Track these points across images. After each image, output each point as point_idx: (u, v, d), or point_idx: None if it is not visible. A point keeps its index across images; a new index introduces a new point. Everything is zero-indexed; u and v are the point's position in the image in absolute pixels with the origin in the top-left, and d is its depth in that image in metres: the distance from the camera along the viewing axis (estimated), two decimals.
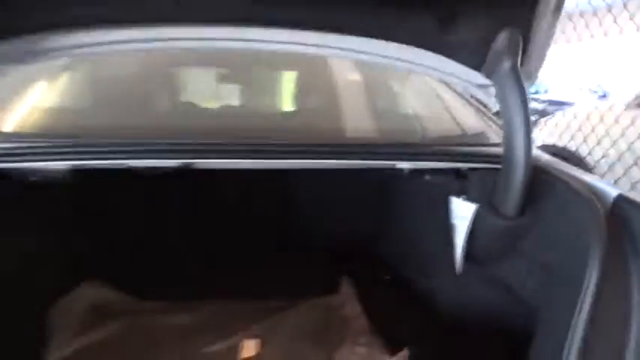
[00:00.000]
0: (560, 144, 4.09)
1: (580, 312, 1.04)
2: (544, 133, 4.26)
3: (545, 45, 1.32)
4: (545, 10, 1.26)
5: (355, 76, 2.14)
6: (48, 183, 1.40)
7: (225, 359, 1.61)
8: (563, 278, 1.17)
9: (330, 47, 1.33)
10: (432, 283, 1.87)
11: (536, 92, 11.62)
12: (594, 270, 1.06)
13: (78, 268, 1.94)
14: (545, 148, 4.22)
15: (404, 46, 1.34)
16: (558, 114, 4.33)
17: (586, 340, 1.02)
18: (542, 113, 9.83)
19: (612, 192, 1.23)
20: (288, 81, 2.38)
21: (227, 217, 2.23)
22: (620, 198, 1.19)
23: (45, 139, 1.31)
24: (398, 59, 1.37)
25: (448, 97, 1.91)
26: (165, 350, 1.65)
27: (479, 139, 1.65)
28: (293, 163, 1.32)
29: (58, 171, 1.31)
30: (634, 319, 1.03)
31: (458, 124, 1.80)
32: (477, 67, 1.37)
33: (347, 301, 1.96)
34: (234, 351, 1.67)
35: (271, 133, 1.55)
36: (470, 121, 1.77)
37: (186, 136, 1.34)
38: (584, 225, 1.15)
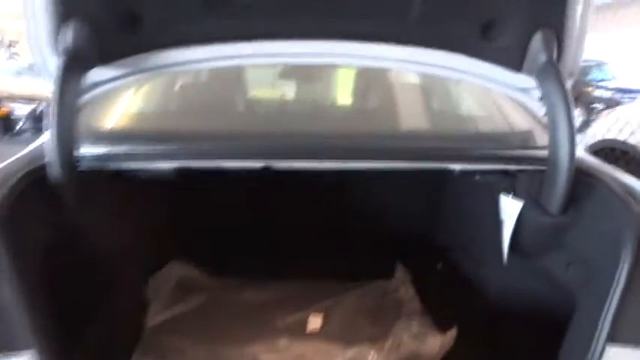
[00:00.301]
0: (621, 138, 4.05)
1: (612, 298, 1.19)
2: (603, 127, 4.22)
3: (581, 39, 1.43)
4: (575, 7, 1.38)
5: (408, 81, 2.31)
6: (153, 179, 1.69)
7: (294, 331, 1.85)
8: (600, 269, 1.30)
9: (382, 59, 1.52)
10: (481, 273, 2.02)
11: (603, 80, 11.19)
12: (626, 262, 1.21)
13: (168, 249, 2.26)
14: (603, 142, 4.19)
15: (449, 54, 1.51)
16: (619, 107, 4.28)
17: (615, 323, 1.17)
18: (609, 102, 9.48)
19: None
20: (347, 84, 2.59)
21: (294, 208, 2.48)
22: None
23: (152, 143, 1.57)
24: (444, 68, 1.55)
25: (500, 100, 2.04)
26: (242, 321, 1.91)
27: (528, 141, 1.78)
28: (351, 165, 1.52)
29: (166, 170, 1.58)
30: None
31: (509, 126, 1.93)
32: (517, 69, 1.51)
33: (401, 285, 2.16)
34: (302, 324, 1.91)
35: (335, 131, 1.77)
36: (520, 123, 1.90)
37: (265, 138, 1.58)
38: (619, 223, 1.28)
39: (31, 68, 12.23)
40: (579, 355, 1.19)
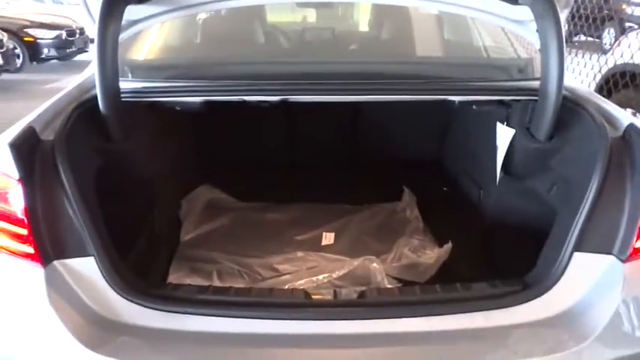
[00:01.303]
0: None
1: (581, 213, 1.37)
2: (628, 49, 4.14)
3: None
4: None
5: (414, 15, 2.39)
6: (187, 111, 1.88)
7: (311, 245, 2.11)
8: (577, 186, 1.46)
9: None
10: (479, 194, 2.21)
11: None
12: (595, 181, 1.38)
13: (198, 175, 2.50)
14: (625, 66, 4.14)
15: None
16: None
17: (582, 234, 1.36)
18: None
19: (626, 121, 1.49)
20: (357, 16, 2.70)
21: (310, 136, 2.67)
22: (630, 126, 1.46)
23: (185, 79, 1.75)
24: (448, 3, 1.65)
25: (499, 35, 2.12)
26: (264, 237, 2.17)
27: (524, 73, 1.89)
28: (359, 98, 1.68)
29: (194, 102, 1.76)
30: (624, 214, 1.35)
31: (506, 59, 2.04)
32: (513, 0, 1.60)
33: (407, 207, 2.37)
34: (316, 240, 2.16)
35: (343, 67, 1.91)
36: (517, 56, 2.00)
37: (284, 71, 1.74)
38: (595, 147, 1.44)
39: None
40: (552, 260, 1.39)
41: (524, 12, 1.62)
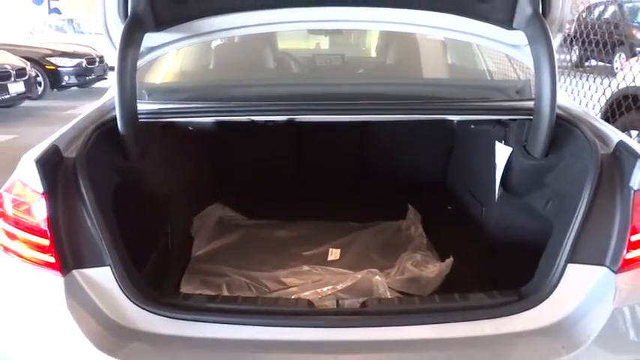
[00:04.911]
0: None
1: (573, 226, 1.43)
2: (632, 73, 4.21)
3: None
4: None
5: (416, 41, 2.51)
6: (201, 132, 1.98)
7: (317, 260, 2.18)
8: (570, 200, 1.53)
9: (394, 23, 1.75)
10: (483, 212, 2.27)
11: None
12: (586, 196, 1.44)
13: (211, 193, 2.60)
14: (627, 90, 4.19)
15: (452, 16, 1.71)
16: None
17: (574, 247, 1.42)
18: None
19: (617, 138, 1.56)
20: (368, 43, 2.82)
21: (319, 158, 2.76)
22: (620, 144, 1.53)
23: (196, 101, 1.87)
24: (449, 30, 1.76)
25: (501, 58, 2.22)
26: (272, 253, 2.25)
27: (521, 94, 1.98)
28: (359, 118, 1.77)
29: (206, 123, 1.87)
30: (615, 226, 1.41)
31: (505, 81, 2.13)
32: (509, 25, 1.69)
33: (412, 224, 2.44)
34: (322, 256, 2.24)
35: (347, 89, 2.02)
36: (517, 78, 2.09)
37: (291, 93, 1.84)
38: (586, 163, 1.51)
39: (70, 23, 12.68)
40: (547, 272, 1.45)
41: (520, 37, 1.72)
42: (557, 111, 1.70)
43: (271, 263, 2.12)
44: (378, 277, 1.85)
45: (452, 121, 1.87)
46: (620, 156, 1.50)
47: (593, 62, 7.04)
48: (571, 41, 11.89)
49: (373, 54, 2.92)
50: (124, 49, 1.61)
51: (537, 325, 1.40)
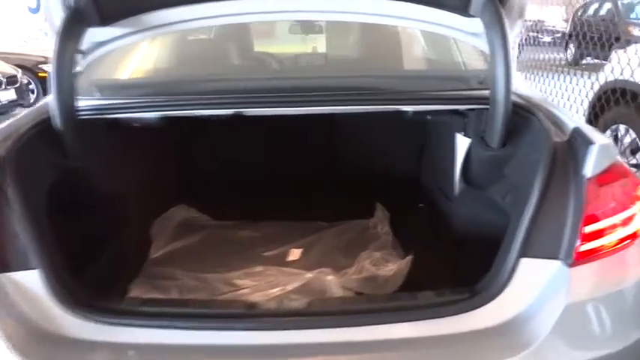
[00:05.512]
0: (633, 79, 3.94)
1: (524, 219, 1.35)
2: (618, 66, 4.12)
3: None
4: None
5: (372, 30, 2.43)
6: (146, 128, 1.91)
7: (276, 261, 2.09)
8: (524, 191, 1.44)
9: (351, 13, 1.68)
10: (451, 206, 2.18)
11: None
12: (537, 188, 1.36)
13: (173, 194, 2.52)
14: (615, 83, 4.10)
15: (409, 5, 1.63)
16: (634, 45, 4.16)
17: (525, 241, 1.33)
18: None
19: (572, 125, 1.47)
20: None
21: (287, 155, 2.68)
22: (575, 130, 1.44)
23: (142, 95, 1.78)
24: (406, 18, 1.68)
25: (457, 45, 2.13)
26: (232, 254, 2.16)
27: (484, 83, 1.88)
28: (307, 110, 1.70)
29: (151, 118, 1.79)
30: (568, 218, 1.33)
31: (469, 71, 2.04)
32: (465, 12, 1.61)
33: (379, 223, 2.35)
34: (283, 256, 2.15)
35: (292, 82, 1.94)
36: (474, 66, 2.00)
37: (240, 86, 1.77)
38: (540, 153, 1.42)
39: None
40: (499, 267, 1.37)
41: (479, 24, 1.64)
42: (516, 99, 1.62)
43: (227, 265, 2.03)
44: (330, 276, 1.76)
45: (407, 112, 1.78)
46: (574, 143, 1.42)
47: (590, 60, 6.97)
48: (567, 39, 11.86)
49: (334, 48, 2.83)
50: (61, 42, 1.54)
51: (488, 323, 1.31)
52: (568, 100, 4.79)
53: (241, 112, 1.73)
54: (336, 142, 2.69)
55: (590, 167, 1.34)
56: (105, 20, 1.66)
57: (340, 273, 1.88)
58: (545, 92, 5.31)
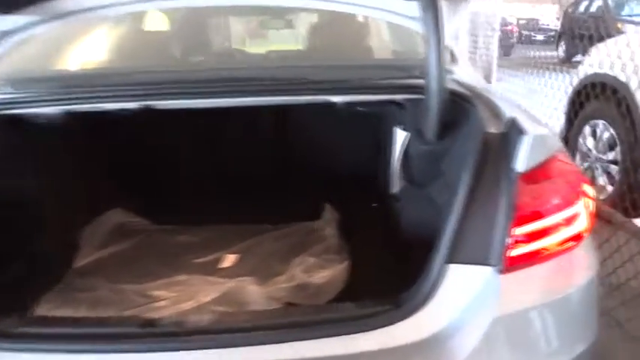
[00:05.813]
0: (612, 73, 3.78)
1: (455, 212, 1.20)
2: (596, 60, 3.96)
3: None
4: None
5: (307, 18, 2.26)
6: (54, 126, 1.73)
7: (207, 268, 1.91)
8: (455, 188, 1.28)
9: None
10: (397, 207, 2.02)
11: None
12: (466, 180, 1.20)
13: (105, 199, 2.34)
14: (595, 77, 3.93)
15: None
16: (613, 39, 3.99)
17: (456, 233, 1.18)
18: None
19: (509, 115, 1.30)
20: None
21: (233, 153, 2.51)
22: (509, 120, 1.27)
23: (44, 88, 1.62)
24: (344, 2, 1.52)
25: (394, 33, 1.97)
26: (162, 261, 1.97)
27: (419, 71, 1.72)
28: (225, 101, 1.53)
29: (56, 115, 1.62)
30: (498, 218, 1.17)
31: (414, 60, 1.87)
32: None
33: (327, 225, 2.17)
34: (216, 263, 1.97)
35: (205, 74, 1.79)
36: (412, 53, 1.83)
37: (139, 80, 1.60)
38: (470, 146, 1.26)
39: None
40: (425, 274, 1.21)
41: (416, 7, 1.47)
42: (457, 88, 1.46)
43: (153, 274, 1.84)
44: (253, 286, 1.58)
45: (336, 103, 1.61)
46: (508, 135, 1.25)
47: (581, 57, 6.83)
48: (559, 37, 11.68)
49: (280, 41, 2.66)
50: None
51: (409, 339, 1.14)
52: (554, 97, 4.64)
53: (150, 105, 1.56)
54: (286, 140, 2.52)
55: (523, 161, 1.17)
56: (7, 7, 1.51)
57: (271, 281, 1.70)
58: (536, 90, 5.20)
